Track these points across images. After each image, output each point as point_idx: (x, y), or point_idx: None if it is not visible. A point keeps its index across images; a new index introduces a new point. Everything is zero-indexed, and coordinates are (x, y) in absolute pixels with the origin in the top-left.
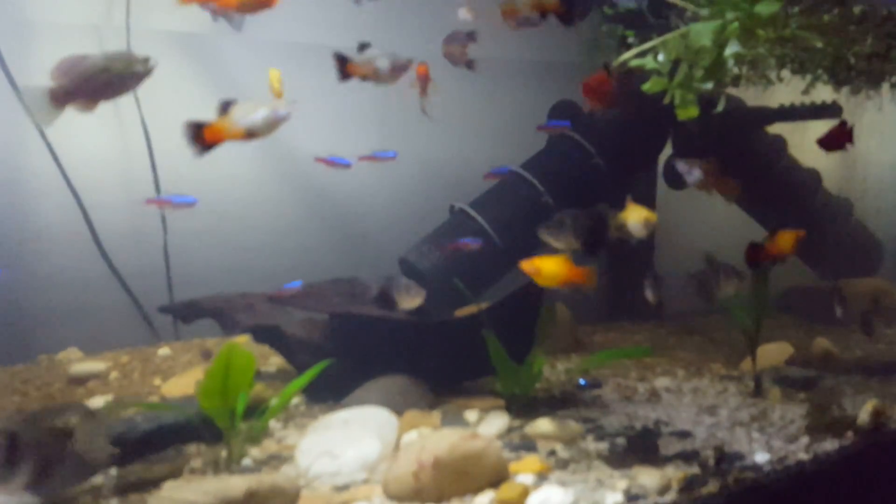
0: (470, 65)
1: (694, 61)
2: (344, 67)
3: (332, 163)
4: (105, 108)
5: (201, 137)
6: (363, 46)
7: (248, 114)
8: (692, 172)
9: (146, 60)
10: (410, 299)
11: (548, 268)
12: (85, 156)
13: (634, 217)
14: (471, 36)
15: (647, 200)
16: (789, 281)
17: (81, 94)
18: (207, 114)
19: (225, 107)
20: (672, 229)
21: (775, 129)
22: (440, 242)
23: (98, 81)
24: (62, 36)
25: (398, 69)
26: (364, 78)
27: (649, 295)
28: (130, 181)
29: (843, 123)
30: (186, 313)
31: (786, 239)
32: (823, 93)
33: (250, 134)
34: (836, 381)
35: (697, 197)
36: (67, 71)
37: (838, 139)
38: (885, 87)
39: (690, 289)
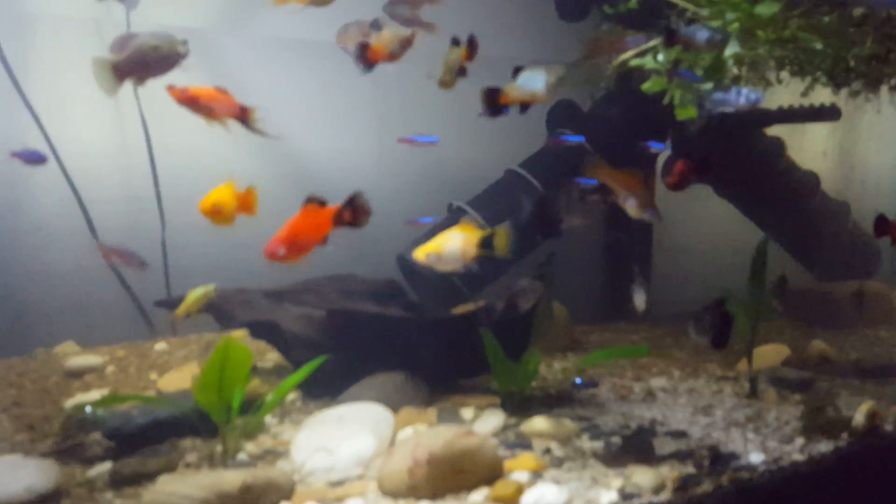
0: None
1: (694, 62)
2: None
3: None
4: (103, 101)
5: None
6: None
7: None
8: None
9: (185, 42)
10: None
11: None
12: (83, 149)
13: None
14: (375, 25)
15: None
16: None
17: (137, 70)
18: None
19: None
20: (671, 231)
21: (774, 130)
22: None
23: (150, 59)
24: (62, 29)
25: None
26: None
27: (638, 302)
28: (129, 175)
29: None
30: None
31: None
32: (822, 95)
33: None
34: (832, 383)
35: (696, 198)
36: (125, 46)
37: (685, 175)
38: (885, 89)
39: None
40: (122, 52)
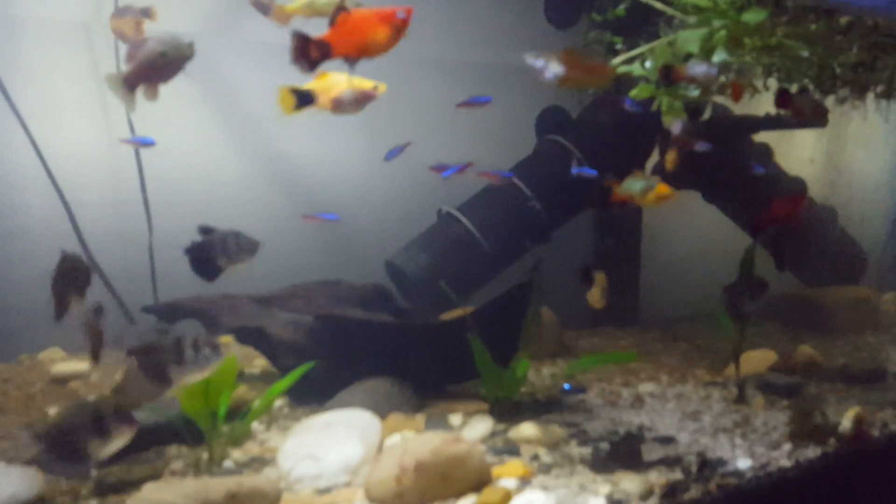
0: None
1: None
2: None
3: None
4: (91, 105)
5: None
6: None
7: None
8: (549, 68)
9: (191, 45)
10: None
11: None
12: (70, 153)
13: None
14: (146, 12)
15: (633, 206)
16: (773, 288)
17: (147, 78)
18: (196, 113)
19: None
20: (659, 236)
21: (762, 137)
22: (427, 245)
23: (158, 65)
24: (50, 33)
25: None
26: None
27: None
28: (116, 180)
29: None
30: (170, 314)
31: None
32: None
33: None
34: (819, 389)
35: (684, 203)
36: (134, 55)
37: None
38: (871, 96)
39: None
40: (132, 61)
